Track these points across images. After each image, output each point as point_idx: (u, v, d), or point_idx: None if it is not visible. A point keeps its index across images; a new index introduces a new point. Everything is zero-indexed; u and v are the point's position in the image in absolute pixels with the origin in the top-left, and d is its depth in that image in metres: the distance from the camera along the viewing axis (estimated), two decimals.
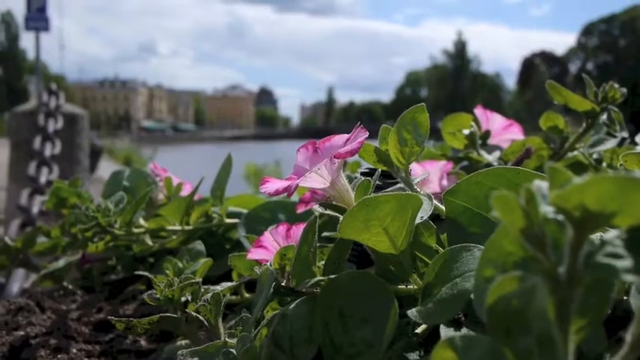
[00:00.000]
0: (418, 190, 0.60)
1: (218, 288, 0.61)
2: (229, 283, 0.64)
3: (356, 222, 0.46)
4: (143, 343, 0.79)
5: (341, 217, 0.56)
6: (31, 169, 2.45)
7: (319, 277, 0.50)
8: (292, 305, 0.50)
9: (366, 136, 0.52)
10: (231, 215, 1.01)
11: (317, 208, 0.55)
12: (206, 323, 0.55)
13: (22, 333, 0.81)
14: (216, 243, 1.02)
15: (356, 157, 0.58)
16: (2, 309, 0.87)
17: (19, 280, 1.35)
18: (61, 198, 1.05)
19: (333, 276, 0.50)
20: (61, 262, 1.00)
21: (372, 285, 0.48)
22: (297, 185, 0.50)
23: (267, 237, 0.64)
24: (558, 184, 0.30)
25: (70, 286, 1.02)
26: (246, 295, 0.81)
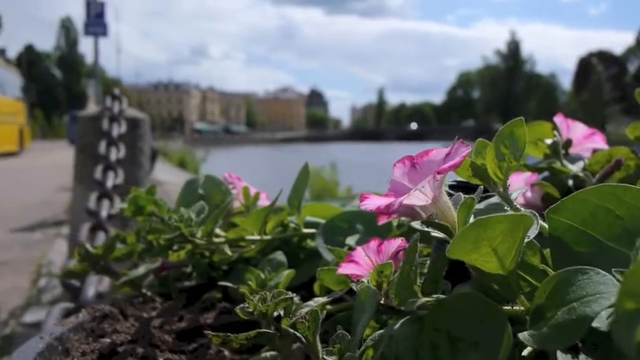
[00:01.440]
0: (518, 206, 0.58)
1: (312, 304, 0.61)
2: (322, 299, 0.63)
3: (466, 243, 0.45)
4: (227, 353, 0.79)
5: (437, 234, 0.55)
6: (98, 173, 2.51)
7: (426, 299, 0.49)
8: (397, 325, 0.49)
9: (469, 150, 0.51)
10: (306, 225, 1.01)
11: (416, 225, 0.54)
12: (303, 340, 0.55)
13: (108, 340, 0.82)
14: (290, 252, 1.02)
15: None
16: (88, 316, 0.89)
17: (93, 284, 1.39)
18: (139, 206, 1.07)
19: (439, 296, 0.49)
20: (141, 270, 1.02)
21: (483, 307, 0.46)
22: (402, 203, 0.49)
23: (359, 252, 0.63)
24: None
25: (149, 293, 1.04)
26: (328, 306, 0.80)
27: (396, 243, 0.64)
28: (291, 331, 0.56)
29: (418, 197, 0.51)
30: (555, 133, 0.97)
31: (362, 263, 0.63)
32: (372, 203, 0.52)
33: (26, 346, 0.74)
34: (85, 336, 0.84)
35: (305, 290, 0.95)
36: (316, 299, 0.63)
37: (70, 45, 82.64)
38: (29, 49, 79.84)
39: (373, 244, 0.63)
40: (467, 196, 0.53)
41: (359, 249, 0.64)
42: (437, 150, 0.55)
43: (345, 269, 0.63)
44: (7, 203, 8.14)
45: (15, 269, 4.41)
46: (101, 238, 1.91)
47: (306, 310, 0.60)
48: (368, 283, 0.55)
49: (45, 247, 5.24)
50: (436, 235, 0.55)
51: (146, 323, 0.89)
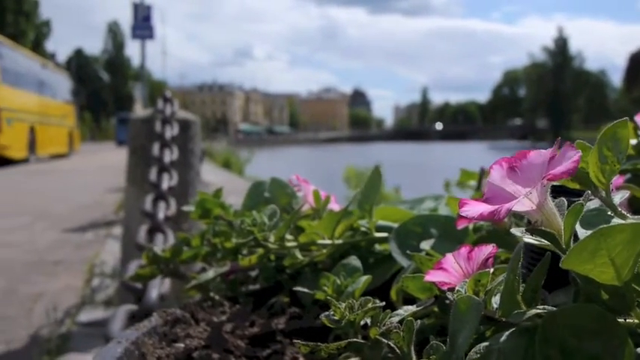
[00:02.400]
0: (623, 212, 0.55)
1: (401, 312, 0.59)
2: (412, 307, 0.61)
3: (583, 252, 0.42)
4: (301, 359, 0.78)
5: (531, 240, 0.52)
6: (153, 175, 2.53)
7: (536, 310, 0.46)
8: (503, 338, 0.47)
9: (580, 154, 0.48)
10: (376, 229, 0.99)
11: (518, 233, 0.51)
12: (397, 350, 0.53)
13: (182, 345, 0.81)
14: (359, 256, 1.00)
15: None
16: (160, 320, 0.88)
17: (157, 287, 1.39)
18: (206, 209, 1.07)
19: (546, 307, 0.47)
20: (211, 273, 1.01)
21: (600, 319, 0.44)
22: (509, 210, 0.46)
23: (449, 259, 0.61)
24: None
25: (217, 297, 1.03)
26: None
27: (487, 250, 0.61)
28: (384, 341, 0.54)
29: (524, 203, 0.48)
30: (639, 132, 0.92)
31: (451, 270, 0.61)
32: (474, 210, 0.49)
33: (105, 351, 0.74)
34: (158, 340, 0.84)
35: (377, 296, 0.93)
36: (406, 308, 0.61)
37: (117, 48, 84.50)
38: (78, 53, 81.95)
39: (464, 250, 0.61)
40: (578, 201, 0.50)
41: (449, 256, 0.61)
42: (535, 152, 0.52)
43: (434, 276, 0.61)
44: (59, 204, 8.36)
45: (68, 269, 4.52)
46: (159, 239, 1.92)
47: (396, 319, 0.58)
48: (465, 291, 0.52)
49: (97, 247, 5.35)
50: (531, 241, 0.52)
51: (218, 328, 0.88)
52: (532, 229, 0.49)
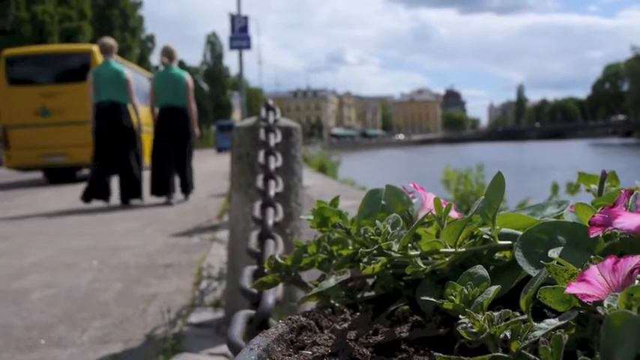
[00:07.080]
0: None
1: (544, 325, 0.57)
2: (554, 321, 0.59)
3: None
4: None
5: None
6: (259, 182, 2.59)
7: None
8: None
9: None
10: (499, 236, 0.97)
11: None
12: None
13: (310, 353, 0.83)
14: (482, 265, 0.98)
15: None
16: (286, 327, 0.91)
17: (272, 292, 1.43)
18: (324, 217, 1.09)
19: None
20: (332, 281, 1.02)
21: None
22: None
23: (593, 270, 0.59)
24: None
25: (337, 304, 1.04)
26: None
27: (633, 261, 0.58)
28: (532, 356, 0.52)
29: None
30: None
31: (594, 283, 0.58)
32: (630, 222, 0.47)
33: (242, 357, 0.77)
34: (286, 347, 0.86)
35: (499, 305, 0.91)
36: (548, 321, 0.59)
37: (216, 59, 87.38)
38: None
39: (608, 262, 0.58)
40: None
41: (593, 267, 0.59)
42: None
43: (576, 288, 0.59)
44: (167, 209, 8.74)
45: (178, 272, 4.71)
46: (269, 245, 1.96)
47: (539, 332, 0.56)
48: (617, 306, 0.50)
49: (203, 251, 5.55)
50: None
51: (342, 336, 0.89)
52: None
